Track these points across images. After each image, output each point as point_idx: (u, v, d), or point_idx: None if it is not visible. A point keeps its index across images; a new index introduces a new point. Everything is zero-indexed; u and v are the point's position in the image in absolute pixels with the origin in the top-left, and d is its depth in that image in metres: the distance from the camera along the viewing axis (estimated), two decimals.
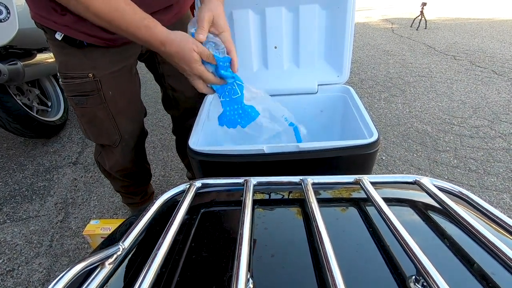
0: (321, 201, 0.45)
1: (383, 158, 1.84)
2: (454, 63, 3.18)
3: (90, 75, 0.82)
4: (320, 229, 0.35)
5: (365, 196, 0.43)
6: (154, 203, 0.43)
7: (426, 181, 0.45)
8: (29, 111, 1.93)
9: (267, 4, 0.92)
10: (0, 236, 1.48)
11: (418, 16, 4.47)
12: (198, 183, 0.48)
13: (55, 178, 1.86)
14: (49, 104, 2.27)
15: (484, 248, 0.35)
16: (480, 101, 2.38)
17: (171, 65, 1.00)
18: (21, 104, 1.88)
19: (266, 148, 0.69)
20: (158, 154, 2.01)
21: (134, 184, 1.24)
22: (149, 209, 0.42)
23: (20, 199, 1.71)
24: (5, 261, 1.35)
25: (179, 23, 0.90)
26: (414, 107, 2.37)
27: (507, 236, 0.38)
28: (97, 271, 0.32)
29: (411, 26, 4.67)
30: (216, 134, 1.02)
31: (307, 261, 0.35)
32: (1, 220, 1.57)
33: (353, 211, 0.44)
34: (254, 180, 0.47)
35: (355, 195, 0.48)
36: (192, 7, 1.00)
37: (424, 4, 4.32)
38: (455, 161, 1.77)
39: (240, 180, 0.48)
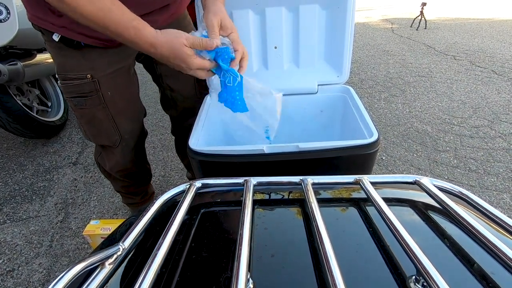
0: (321, 201, 0.45)
1: (383, 158, 1.84)
2: (454, 63, 3.18)
3: (89, 76, 0.82)
4: (320, 229, 0.35)
5: (365, 196, 0.43)
6: (154, 203, 0.43)
7: (426, 181, 0.45)
8: (29, 111, 1.93)
9: (267, 4, 0.92)
10: (0, 236, 1.48)
11: (418, 16, 4.47)
12: (198, 183, 0.48)
13: (55, 178, 1.86)
14: (49, 104, 2.27)
15: (484, 248, 0.35)
16: (480, 101, 2.38)
17: (169, 66, 1.00)
18: (21, 104, 1.88)
19: (266, 148, 0.69)
20: (158, 154, 2.01)
21: (135, 184, 1.24)
22: (149, 209, 0.42)
23: (20, 199, 1.71)
24: (5, 261, 1.35)
25: (175, 23, 0.90)
26: (414, 107, 2.37)
27: (507, 236, 0.38)
28: (97, 271, 0.32)
29: (411, 26, 4.68)
30: (216, 134, 1.02)
31: (307, 261, 0.35)
32: (1, 220, 1.57)
33: (353, 211, 0.44)
34: (254, 180, 0.47)
35: (355, 195, 0.48)
36: (190, 8, 1.00)
37: (424, 4, 4.32)
38: (455, 161, 1.77)
39: (240, 180, 0.48)
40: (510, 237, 0.37)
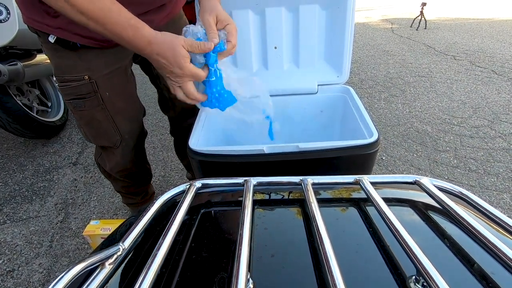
0: (321, 201, 0.45)
1: (383, 158, 1.84)
2: (454, 63, 3.18)
3: (86, 77, 0.81)
4: (320, 229, 0.35)
5: (365, 196, 0.43)
6: (154, 203, 0.43)
7: (426, 181, 0.45)
8: (29, 111, 1.93)
9: (267, 4, 0.92)
10: (0, 236, 1.48)
11: (418, 16, 4.47)
12: (198, 183, 0.48)
13: (55, 178, 1.86)
14: (49, 104, 2.27)
15: (484, 248, 0.35)
16: (480, 101, 2.38)
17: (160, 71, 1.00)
18: (21, 104, 1.88)
19: (266, 148, 0.69)
20: (158, 154, 2.01)
21: (135, 185, 1.24)
22: (149, 210, 0.42)
23: (20, 200, 1.71)
24: (5, 261, 1.35)
25: (171, 23, 0.90)
26: (414, 107, 2.37)
27: (507, 236, 0.38)
28: (97, 271, 0.32)
29: (411, 26, 4.68)
30: (216, 134, 1.02)
31: (307, 261, 0.35)
32: (1, 220, 1.57)
33: (353, 211, 0.44)
34: (254, 180, 0.47)
35: (355, 195, 0.48)
36: (188, 9, 1.00)
37: (424, 4, 4.32)
38: (455, 161, 1.77)
39: (240, 180, 0.48)
40: (510, 237, 0.37)
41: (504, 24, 4.56)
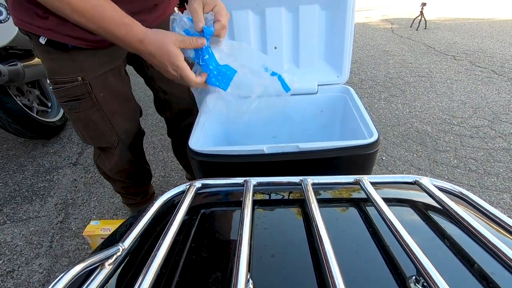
0: (321, 201, 0.45)
1: (383, 158, 1.84)
2: (454, 63, 3.18)
3: (79, 78, 0.81)
4: (320, 230, 0.35)
5: (365, 196, 0.43)
6: (154, 203, 0.43)
7: (426, 181, 0.45)
8: (29, 112, 1.93)
9: (267, 5, 0.92)
10: (0, 237, 1.48)
11: (418, 16, 4.47)
12: (198, 184, 0.48)
13: (55, 179, 1.86)
14: (49, 104, 2.27)
15: (484, 248, 0.35)
16: (480, 101, 2.38)
17: (155, 67, 1.00)
18: (21, 105, 1.88)
19: (266, 148, 0.69)
20: (158, 154, 2.01)
21: (135, 185, 1.24)
22: (149, 210, 0.42)
23: (20, 200, 1.71)
24: (5, 262, 1.35)
25: (163, 24, 0.89)
26: (414, 107, 2.37)
27: (507, 236, 0.37)
28: (97, 271, 0.32)
29: (411, 26, 4.68)
30: (216, 134, 1.02)
31: (307, 262, 0.35)
32: (1, 221, 1.57)
33: (353, 211, 0.44)
34: (254, 181, 0.47)
35: (355, 195, 0.48)
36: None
37: (424, 4, 4.32)
38: (455, 161, 1.77)
39: (240, 180, 0.48)
40: (510, 237, 0.37)
41: (504, 24, 4.56)
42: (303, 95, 1.03)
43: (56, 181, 1.83)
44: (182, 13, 0.68)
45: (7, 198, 1.73)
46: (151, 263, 0.31)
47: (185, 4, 0.67)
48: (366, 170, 0.75)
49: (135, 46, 0.62)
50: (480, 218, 0.41)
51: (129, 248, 0.36)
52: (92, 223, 1.20)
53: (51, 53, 0.78)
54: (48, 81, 0.83)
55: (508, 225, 0.35)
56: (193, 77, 0.67)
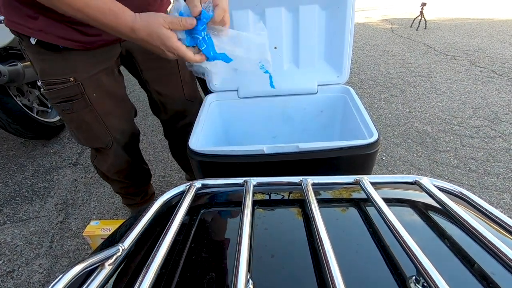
0: (321, 202, 0.45)
1: (383, 158, 1.84)
2: (454, 63, 3.18)
3: (72, 79, 0.81)
4: (320, 230, 0.35)
5: (365, 197, 0.43)
6: (154, 203, 0.43)
7: (426, 181, 0.45)
8: (29, 112, 1.93)
9: (267, 5, 0.92)
10: (0, 237, 1.48)
11: (417, 16, 4.47)
12: (198, 184, 0.48)
13: (55, 179, 1.86)
14: (49, 105, 2.27)
15: (484, 248, 0.35)
16: (480, 101, 2.38)
17: (154, 70, 0.99)
18: (21, 105, 1.88)
19: (266, 148, 0.69)
20: (158, 154, 2.01)
21: (134, 185, 1.24)
22: (149, 210, 0.42)
23: (20, 200, 1.71)
24: (5, 262, 1.35)
25: None
26: (414, 107, 2.37)
27: (507, 236, 0.37)
28: (97, 271, 0.32)
29: (411, 26, 4.68)
30: (216, 134, 1.02)
31: (307, 262, 0.35)
32: (1, 221, 1.57)
33: (353, 211, 0.44)
34: (254, 181, 0.47)
35: (355, 195, 0.48)
36: None
37: (423, 4, 4.32)
38: (455, 161, 1.77)
39: (240, 180, 0.48)
40: (510, 237, 0.37)
41: (504, 24, 4.56)
42: (303, 95, 1.03)
43: (56, 181, 1.83)
44: None
45: (7, 198, 1.73)
46: (151, 263, 0.31)
47: None
48: (366, 170, 0.75)
49: (128, 35, 0.61)
50: (480, 218, 0.41)
51: (129, 248, 0.36)
52: (92, 223, 1.20)
53: (42, 54, 0.77)
54: (39, 83, 0.82)
55: (508, 225, 0.35)
56: (191, 56, 0.64)
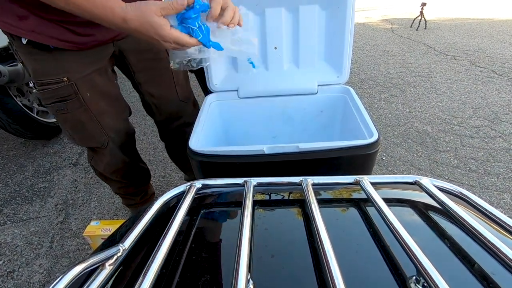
0: (321, 202, 0.45)
1: (383, 158, 1.84)
2: (454, 63, 3.18)
3: (65, 79, 0.80)
4: (320, 230, 0.35)
5: (365, 197, 0.43)
6: (154, 204, 0.43)
7: (426, 181, 0.45)
8: (30, 112, 1.93)
9: (267, 5, 0.92)
10: (1, 237, 1.48)
11: (418, 16, 4.47)
12: (198, 184, 0.48)
13: (55, 179, 1.86)
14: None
15: (484, 248, 0.35)
16: (480, 101, 2.38)
17: (147, 72, 0.99)
18: (21, 105, 1.88)
19: (266, 148, 0.69)
20: (158, 154, 2.01)
21: (133, 185, 1.24)
22: (149, 210, 0.42)
23: (21, 200, 1.71)
24: (6, 262, 1.35)
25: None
26: (414, 107, 2.37)
27: (507, 236, 0.37)
28: (97, 272, 0.32)
29: (411, 26, 4.68)
30: (216, 135, 1.02)
31: (307, 262, 0.35)
32: (2, 221, 1.57)
33: (353, 211, 0.44)
34: (254, 181, 0.47)
35: (355, 195, 0.48)
36: None
37: (423, 4, 4.31)
38: (456, 161, 1.77)
39: (240, 180, 0.48)
40: (510, 237, 0.37)
41: (504, 24, 4.56)
42: (303, 95, 1.03)
43: (56, 182, 1.83)
44: None
45: (7, 198, 1.73)
46: (151, 263, 0.31)
47: None
48: (366, 170, 0.75)
49: (120, 26, 0.59)
50: (480, 218, 0.41)
51: (130, 249, 0.36)
52: (92, 223, 1.20)
53: (34, 54, 0.77)
54: (32, 84, 0.81)
55: (508, 225, 0.35)
56: (187, 39, 0.61)
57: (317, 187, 0.48)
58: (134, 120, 2.39)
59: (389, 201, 0.44)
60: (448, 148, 1.88)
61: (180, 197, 0.44)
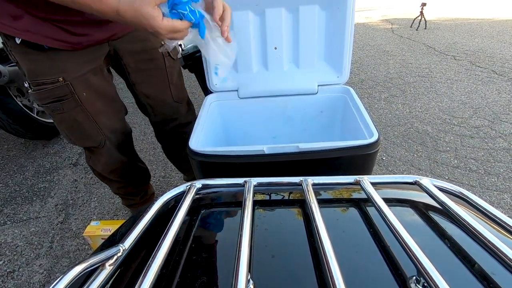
0: (322, 202, 0.45)
1: (384, 158, 1.84)
2: (454, 63, 3.18)
3: (60, 79, 0.80)
4: (320, 230, 0.35)
5: (365, 197, 0.43)
6: (154, 204, 0.43)
7: (426, 181, 0.45)
8: (30, 112, 1.93)
9: (267, 5, 0.92)
10: (1, 237, 1.48)
11: (418, 17, 4.47)
12: (198, 184, 0.48)
13: (55, 179, 1.86)
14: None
15: (484, 248, 0.35)
16: (480, 101, 2.38)
17: (142, 73, 0.99)
18: (21, 105, 1.88)
19: (266, 148, 0.69)
20: (158, 155, 2.01)
21: (132, 185, 1.24)
22: (149, 210, 0.42)
23: (21, 201, 1.71)
24: (6, 262, 1.35)
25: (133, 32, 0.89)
26: (414, 107, 2.37)
27: (507, 236, 0.37)
28: (97, 272, 0.32)
29: (411, 27, 4.68)
30: (216, 135, 1.02)
31: (308, 262, 0.35)
32: (2, 221, 1.57)
33: (353, 211, 0.44)
34: (254, 181, 0.47)
35: (355, 195, 0.48)
36: None
37: (424, 4, 4.31)
38: (456, 161, 1.77)
39: (240, 180, 0.48)
40: (510, 237, 0.37)
41: (504, 24, 4.56)
42: (303, 95, 1.03)
43: (57, 182, 1.83)
44: None
45: (7, 198, 1.73)
46: (152, 263, 0.31)
47: None
48: (367, 170, 0.75)
49: (115, 18, 0.58)
50: (481, 218, 0.41)
51: (130, 249, 0.36)
52: (92, 223, 1.20)
53: (28, 54, 0.77)
54: (27, 84, 0.81)
55: (508, 225, 0.35)
56: (180, 24, 0.60)
57: (317, 187, 0.48)
58: (134, 120, 2.40)
59: (389, 201, 0.44)
60: (448, 148, 1.88)
61: (180, 197, 0.44)
